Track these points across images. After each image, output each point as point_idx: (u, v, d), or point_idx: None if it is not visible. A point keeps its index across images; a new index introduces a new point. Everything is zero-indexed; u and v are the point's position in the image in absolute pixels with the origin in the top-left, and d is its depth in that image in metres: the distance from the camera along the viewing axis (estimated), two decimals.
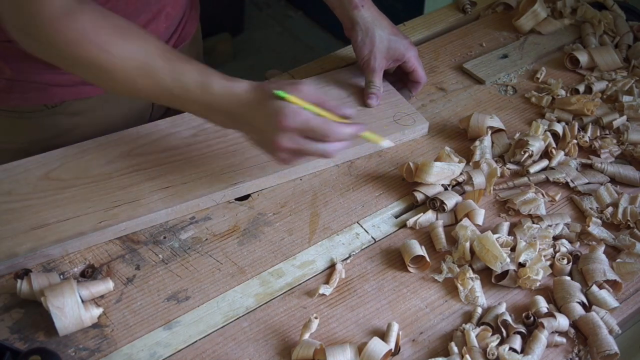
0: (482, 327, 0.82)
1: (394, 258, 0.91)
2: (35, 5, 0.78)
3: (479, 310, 0.85)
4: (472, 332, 0.81)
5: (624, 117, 1.10)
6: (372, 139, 0.91)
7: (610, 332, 0.82)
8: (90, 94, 1.03)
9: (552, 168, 1.03)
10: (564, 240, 0.93)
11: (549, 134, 1.05)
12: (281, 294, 0.87)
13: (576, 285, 0.86)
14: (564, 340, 0.82)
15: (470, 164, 1.03)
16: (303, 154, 0.86)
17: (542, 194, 0.99)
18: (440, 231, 0.93)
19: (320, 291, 0.86)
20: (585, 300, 0.85)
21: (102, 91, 1.03)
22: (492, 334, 0.81)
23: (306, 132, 0.84)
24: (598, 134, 1.08)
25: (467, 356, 0.78)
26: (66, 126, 1.05)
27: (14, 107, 1.01)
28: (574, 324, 0.83)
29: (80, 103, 1.04)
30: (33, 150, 0.99)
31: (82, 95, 1.03)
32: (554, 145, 1.05)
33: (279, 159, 0.88)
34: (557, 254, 0.90)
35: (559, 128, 1.07)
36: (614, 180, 1.02)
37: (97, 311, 0.82)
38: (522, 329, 0.81)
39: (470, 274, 0.88)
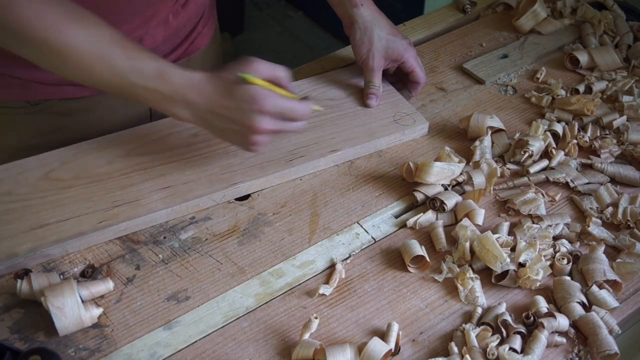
0: (482, 327, 0.82)
1: (394, 258, 0.91)
2: None
3: (479, 310, 0.85)
4: (472, 332, 0.81)
5: (624, 117, 1.10)
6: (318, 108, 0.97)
7: (610, 332, 0.82)
8: (76, 94, 1.02)
9: (552, 168, 1.03)
10: (564, 240, 0.93)
11: (549, 134, 1.05)
12: (281, 294, 0.87)
13: (576, 285, 0.86)
14: (564, 340, 0.82)
15: (470, 164, 1.03)
16: (279, 133, 0.89)
17: (542, 194, 0.99)
18: (440, 231, 0.93)
19: (320, 291, 0.86)
20: (585, 300, 0.85)
21: (91, 93, 1.02)
22: (492, 334, 0.81)
23: (280, 114, 0.86)
24: (598, 134, 1.08)
25: (467, 356, 0.78)
26: (52, 126, 1.04)
27: (2, 101, 1.00)
28: (574, 324, 0.83)
29: (67, 104, 1.03)
30: (21, 151, 0.98)
31: (67, 95, 1.01)
32: (554, 145, 1.05)
33: (254, 145, 0.88)
34: (557, 254, 0.90)
35: (559, 128, 1.07)
36: (614, 180, 1.02)
37: (97, 311, 0.82)
38: (522, 329, 0.81)
39: (470, 274, 0.88)
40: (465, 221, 0.92)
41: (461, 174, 0.99)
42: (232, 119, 0.86)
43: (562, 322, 0.82)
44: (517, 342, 0.80)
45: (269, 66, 0.87)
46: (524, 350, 0.80)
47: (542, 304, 0.84)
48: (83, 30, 0.82)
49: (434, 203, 0.97)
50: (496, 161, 1.04)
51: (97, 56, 0.82)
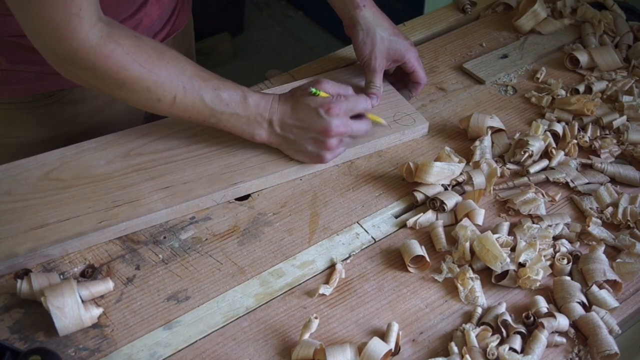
0: (482, 327, 0.82)
1: (394, 258, 0.91)
2: (76, 38, 0.81)
3: (479, 310, 0.85)
4: (472, 332, 0.81)
5: (624, 117, 1.10)
6: (375, 119, 1.04)
7: (610, 332, 0.82)
8: None
9: (552, 168, 1.03)
10: (564, 240, 0.93)
11: (549, 134, 1.05)
12: (281, 294, 0.87)
13: (576, 285, 0.86)
14: (564, 340, 0.82)
15: (470, 164, 1.03)
16: (351, 135, 0.98)
17: (542, 194, 0.99)
18: (440, 231, 0.93)
19: (320, 291, 0.86)
20: (585, 300, 0.85)
21: None
22: (492, 334, 0.81)
23: (350, 111, 0.97)
24: (598, 134, 1.08)
25: (467, 356, 0.78)
26: (65, 115, 1.05)
27: (12, 98, 1.02)
28: (574, 324, 0.83)
29: (79, 91, 1.04)
30: (33, 145, 0.99)
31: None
32: (554, 145, 1.05)
33: (329, 149, 0.97)
34: (557, 254, 0.90)
35: (559, 128, 1.07)
36: (614, 180, 1.02)
37: (97, 311, 0.82)
38: (522, 329, 0.81)
39: (470, 274, 0.88)
40: (465, 221, 0.92)
41: (461, 174, 0.99)
42: (306, 128, 0.95)
43: (562, 322, 0.82)
44: (517, 342, 0.80)
45: (335, 84, 0.98)
46: (524, 350, 0.80)
47: (542, 304, 0.84)
48: (169, 66, 0.88)
49: (434, 203, 0.97)
50: (496, 161, 1.04)
51: (184, 91, 0.89)
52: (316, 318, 0.82)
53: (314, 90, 0.94)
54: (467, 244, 0.90)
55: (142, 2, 1.01)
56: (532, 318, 0.83)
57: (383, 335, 0.81)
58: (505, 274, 0.88)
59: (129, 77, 0.86)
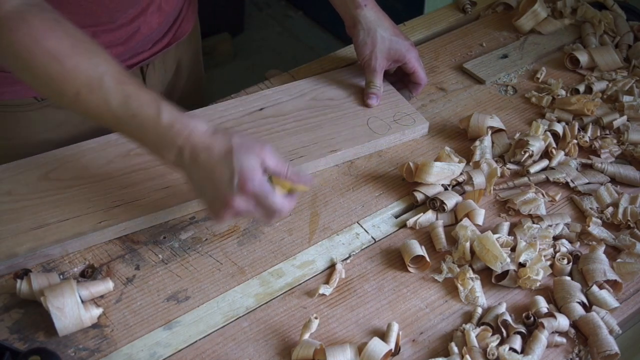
0: (482, 327, 0.82)
1: (394, 258, 0.91)
2: None
3: (479, 310, 0.85)
4: (472, 332, 0.81)
5: (624, 117, 1.10)
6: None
7: (611, 332, 0.82)
8: None
9: (552, 168, 1.03)
10: (564, 240, 0.93)
11: (549, 134, 1.05)
12: (281, 294, 0.87)
13: (576, 285, 0.86)
14: (564, 340, 0.82)
15: (470, 164, 1.03)
16: (246, 216, 0.84)
17: (542, 194, 0.99)
18: (440, 231, 0.93)
19: (320, 291, 0.86)
20: (585, 301, 0.85)
21: None
22: (492, 334, 0.81)
23: (263, 199, 0.81)
24: (598, 134, 1.08)
25: (467, 356, 0.78)
26: (58, 120, 1.05)
27: (4, 101, 1.01)
28: (574, 324, 0.83)
29: None
30: (27, 148, 0.98)
31: None
32: (554, 145, 1.05)
33: (221, 217, 0.82)
34: (557, 254, 0.90)
35: (559, 128, 1.07)
36: (614, 180, 1.02)
37: (97, 311, 0.82)
38: (522, 329, 0.81)
39: (470, 274, 0.87)
40: (466, 221, 0.92)
41: (461, 174, 0.99)
42: (212, 183, 0.81)
43: (562, 322, 0.82)
44: (517, 342, 0.80)
45: (276, 160, 0.82)
46: (524, 351, 0.80)
47: (542, 304, 0.84)
48: (80, 58, 0.80)
49: (434, 203, 0.96)
50: (496, 161, 1.04)
51: (89, 88, 0.79)
52: (316, 318, 0.81)
53: (269, 175, 0.82)
54: (467, 244, 0.90)
55: (141, 10, 1.01)
56: (532, 318, 0.82)
57: (383, 336, 0.81)
58: (505, 274, 0.88)
59: (31, 60, 0.78)
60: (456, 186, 1.00)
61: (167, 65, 1.15)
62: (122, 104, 0.79)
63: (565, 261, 0.89)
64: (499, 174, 0.99)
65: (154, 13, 1.03)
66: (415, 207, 0.99)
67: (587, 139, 1.06)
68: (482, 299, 0.86)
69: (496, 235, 0.89)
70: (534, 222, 0.94)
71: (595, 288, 0.86)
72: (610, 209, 0.97)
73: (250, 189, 0.80)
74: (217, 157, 0.80)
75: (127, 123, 0.81)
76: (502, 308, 0.84)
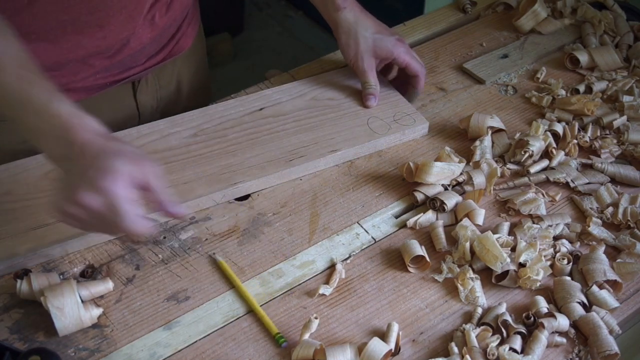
0: (482, 327, 0.82)
1: (394, 258, 0.91)
2: None
3: (479, 310, 0.85)
4: (472, 332, 0.81)
5: (624, 117, 1.10)
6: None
7: (611, 332, 0.82)
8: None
9: (553, 168, 1.03)
10: (564, 240, 0.93)
11: (549, 134, 1.05)
12: (281, 294, 0.87)
13: (576, 286, 0.86)
14: (564, 340, 0.82)
15: (471, 164, 1.03)
16: (88, 223, 0.76)
17: (543, 194, 0.99)
18: (440, 231, 0.93)
19: (320, 291, 0.86)
20: (585, 301, 0.85)
21: (78, 97, 1.00)
22: (492, 334, 0.81)
23: (110, 209, 0.73)
24: (598, 134, 1.08)
25: (467, 356, 0.78)
26: None
27: None
28: (574, 324, 0.83)
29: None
30: (22, 154, 0.97)
31: None
32: (554, 145, 1.05)
33: (65, 214, 0.76)
34: (558, 254, 0.90)
35: (559, 128, 1.07)
36: (614, 180, 1.02)
37: (97, 311, 0.82)
38: (522, 329, 0.81)
39: (470, 274, 0.87)
40: (466, 221, 0.92)
41: (461, 174, 0.99)
42: (77, 175, 0.74)
43: (563, 322, 0.82)
44: (517, 342, 0.80)
45: (157, 182, 0.76)
46: (524, 351, 0.80)
47: (542, 304, 0.84)
48: None
49: (434, 203, 0.96)
50: (496, 161, 1.04)
51: None
52: (316, 318, 0.81)
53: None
54: (467, 244, 0.89)
55: (129, 17, 0.97)
56: (532, 318, 0.82)
57: (383, 336, 0.81)
58: (505, 274, 0.88)
59: None
60: (456, 186, 1.00)
61: (162, 81, 1.13)
62: (15, 88, 0.75)
63: (565, 261, 0.89)
64: (499, 174, 0.99)
65: (144, 27, 1.01)
66: (415, 207, 0.99)
67: (587, 139, 1.06)
68: (482, 299, 0.86)
69: (496, 235, 0.89)
70: (534, 222, 0.94)
71: (595, 288, 0.86)
72: (610, 209, 0.97)
73: (104, 186, 0.72)
74: (101, 157, 0.74)
75: (21, 108, 0.76)
76: (502, 308, 0.84)
